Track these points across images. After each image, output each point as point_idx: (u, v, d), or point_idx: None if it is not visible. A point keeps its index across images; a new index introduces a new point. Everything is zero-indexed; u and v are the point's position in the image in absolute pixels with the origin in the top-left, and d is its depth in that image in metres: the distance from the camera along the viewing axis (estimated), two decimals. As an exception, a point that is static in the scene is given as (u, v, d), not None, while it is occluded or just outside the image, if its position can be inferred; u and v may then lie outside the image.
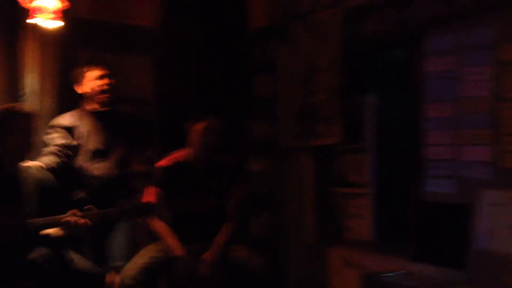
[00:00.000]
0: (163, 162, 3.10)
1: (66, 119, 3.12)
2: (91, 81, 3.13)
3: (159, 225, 3.01)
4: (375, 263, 3.26)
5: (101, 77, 3.13)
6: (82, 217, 2.45)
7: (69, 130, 3.09)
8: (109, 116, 3.18)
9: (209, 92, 4.03)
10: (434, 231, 3.06)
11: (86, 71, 3.13)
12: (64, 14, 3.02)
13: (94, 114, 3.16)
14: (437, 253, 3.02)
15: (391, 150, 3.50)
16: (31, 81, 3.21)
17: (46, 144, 3.08)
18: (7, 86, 3.18)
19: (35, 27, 3.05)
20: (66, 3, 3.02)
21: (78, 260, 2.62)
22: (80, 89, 3.16)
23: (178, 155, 3.12)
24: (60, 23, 3.03)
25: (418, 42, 3.13)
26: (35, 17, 2.94)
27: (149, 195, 3.03)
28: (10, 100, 3.12)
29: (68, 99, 3.29)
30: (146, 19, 3.85)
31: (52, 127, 3.11)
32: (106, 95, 3.14)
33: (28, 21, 2.99)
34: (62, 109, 3.25)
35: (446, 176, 2.98)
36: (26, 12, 2.98)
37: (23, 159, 2.57)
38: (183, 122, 3.12)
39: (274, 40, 4.07)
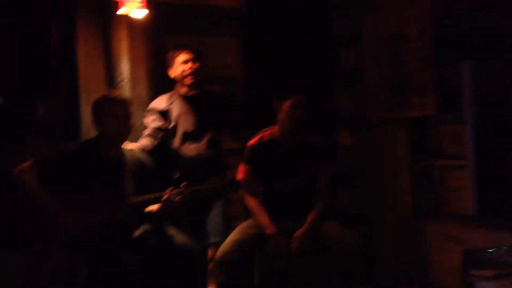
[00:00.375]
0: (253, 141, 3.14)
1: (160, 103, 3.24)
2: (180, 65, 3.22)
3: (251, 202, 3.08)
4: (477, 238, 3.12)
5: (187, 61, 3.21)
6: (178, 194, 2.57)
7: (164, 113, 3.21)
8: (200, 98, 3.27)
9: (296, 68, 4.01)
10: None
11: (175, 56, 3.22)
12: (150, 1, 3.11)
13: (186, 97, 3.25)
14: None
15: (491, 121, 3.31)
16: (125, 69, 3.36)
17: (144, 127, 3.23)
18: (105, 74, 3.36)
19: (124, 17, 3.18)
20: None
21: (179, 236, 2.76)
22: (172, 73, 3.26)
23: (267, 133, 3.15)
24: (146, 11, 3.14)
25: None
26: (123, 8, 3.06)
27: (241, 172, 3.10)
28: (108, 87, 3.30)
29: (161, 84, 3.40)
30: (229, 1, 3.89)
31: (148, 111, 3.25)
32: (193, 78, 3.22)
33: (118, 12, 3.11)
34: (155, 94, 3.37)
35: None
36: (116, 4, 3.11)
37: (122, 142, 2.73)
38: (271, 100, 3.13)
39: (358, 10, 3.96)
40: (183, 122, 3.22)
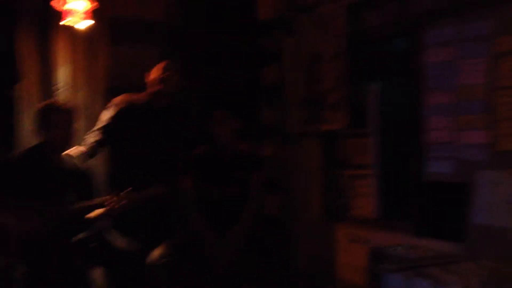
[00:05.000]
0: (196, 151, 3.33)
1: (109, 111, 3.29)
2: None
3: (190, 209, 3.23)
4: (380, 238, 3.49)
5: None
6: (120, 199, 2.71)
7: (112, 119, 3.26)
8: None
9: (222, 83, 4.24)
10: (435, 208, 3.28)
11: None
12: (93, 13, 3.22)
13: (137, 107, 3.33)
14: (437, 228, 3.24)
15: (394, 135, 3.74)
16: (64, 76, 3.41)
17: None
18: (42, 81, 3.38)
19: (66, 27, 3.25)
20: (95, 4, 3.21)
21: (118, 239, 2.88)
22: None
23: (206, 145, 3.35)
24: (90, 22, 3.23)
25: (418, 34, 3.34)
26: (67, 19, 3.14)
27: (182, 182, 3.26)
28: (45, 94, 3.34)
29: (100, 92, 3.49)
30: (160, 14, 4.04)
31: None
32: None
33: (61, 23, 3.18)
34: (94, 101, 3.45)
35: (445, 158, 3.20)
36: (58, 14, 3.18)
37: (65, 149, 2.82)
38: (203, 114, 3.32)
39: (280, 31, 4.28)
40: (132, 131, 3.28)
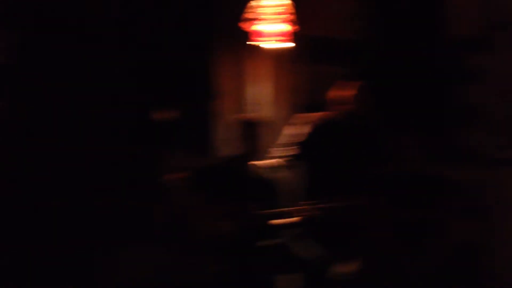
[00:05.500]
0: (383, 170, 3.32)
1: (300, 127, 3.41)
2: None
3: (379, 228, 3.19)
4: None
5: None
6: (307, 210, 2.80)
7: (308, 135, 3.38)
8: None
9: (411, 102, 4.13)
10: None
11: None
12: (291, 34, 3.38)
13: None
14: None
15: None
16: (258, 92, 3.66)
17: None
18: (237, 97, 3.67)
19: (261, 47, 3.47)
20: (296, 27, 3.36)
21: (303, 248, 2.97)
22: None
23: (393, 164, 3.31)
24: (290, 44, 3.39)
25: None
26: (258, 39, 3.35)
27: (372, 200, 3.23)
28: (239, 109, 3.62)
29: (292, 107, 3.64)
30: (350, 32, 4.09)
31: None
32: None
33: (250, 43, 3.41)
34: (285, 116, 3.62)
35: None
36: (253, 35, 3.40)
37: (255, 160, 3.01)
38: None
39: (477, 49, 4.02)
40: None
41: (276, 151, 3.39)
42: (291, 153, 3.29)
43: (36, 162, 3.00)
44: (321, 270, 3.02)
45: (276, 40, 3.38)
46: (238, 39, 3.59)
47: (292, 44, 3.42)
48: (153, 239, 2.87)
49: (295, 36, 3.43)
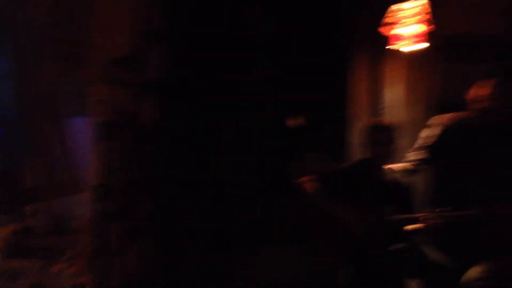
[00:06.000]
0: None
1: (434, 129, 3.28)
2: None
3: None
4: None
5: None
6: (437, 216, 2.78)
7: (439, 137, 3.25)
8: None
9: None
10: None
11: None
12: (428, 35, 3.34)
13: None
14: None
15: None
16: (391, 95, 3.68)
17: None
18: (370, 101, 3.73)
19: (397, 50, 3.47)
20: (432, 26, 3.32)
21: (434, 254, 2.95)
22: None
23: None
24: (424, 45, 3.35)
25: None
26: (395, 43, 3.37)
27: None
28: (372, 113, 3.68)
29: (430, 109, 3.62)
30: (495, 28, 3.90)
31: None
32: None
33: (388, 47, 3.43)
34: (423, 118, 3.58)
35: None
36: (387, 38, 3.44)
37: (384, 164, 3.06)
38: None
39: None
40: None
41: (413, 154, 3.38)
42: (420, 156, 3.24)
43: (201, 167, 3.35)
44: (454, 277, 2.97)
45: (413, 42, 3.37)
46: (377, 44, 3.65)
47: (427, 44, 3.38)
48: (288, 240, 3.07)
49: (431, 36, 3.38)
